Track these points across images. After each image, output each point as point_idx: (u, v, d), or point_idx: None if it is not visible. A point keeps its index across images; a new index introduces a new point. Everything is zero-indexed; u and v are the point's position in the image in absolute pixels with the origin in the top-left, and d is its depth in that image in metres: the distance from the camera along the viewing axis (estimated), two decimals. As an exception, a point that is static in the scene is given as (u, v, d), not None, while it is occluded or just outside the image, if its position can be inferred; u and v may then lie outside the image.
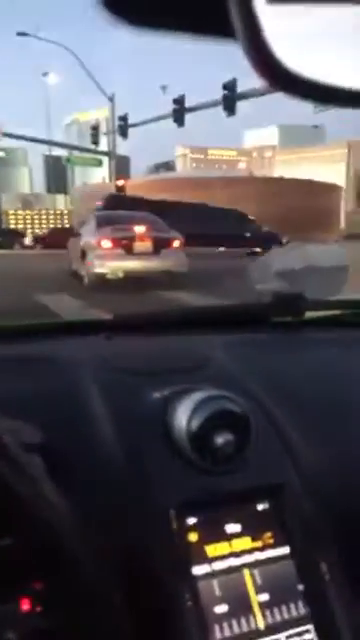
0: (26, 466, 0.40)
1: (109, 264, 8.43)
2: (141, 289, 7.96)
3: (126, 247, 8.48)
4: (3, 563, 0.54)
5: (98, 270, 8.50)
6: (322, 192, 32.91)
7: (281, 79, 0.28)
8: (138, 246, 8.55)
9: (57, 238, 25.93)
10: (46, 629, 0.47)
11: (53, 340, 0.90)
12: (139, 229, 8.70)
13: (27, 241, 27.95)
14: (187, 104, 17.31)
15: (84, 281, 8.94)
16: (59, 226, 40.83)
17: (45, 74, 36.97)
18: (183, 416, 0.60)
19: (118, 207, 12.03)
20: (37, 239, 28.11)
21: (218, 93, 15.85)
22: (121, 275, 8.45)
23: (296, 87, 0.29)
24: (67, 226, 39.62)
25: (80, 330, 0.97)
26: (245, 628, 0.55)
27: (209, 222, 15.45)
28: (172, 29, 0.29)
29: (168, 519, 0.57)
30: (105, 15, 0.28)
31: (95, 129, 21.79)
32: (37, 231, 35.25)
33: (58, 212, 67.76)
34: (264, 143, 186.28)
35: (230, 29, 0.27)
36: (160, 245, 8.66)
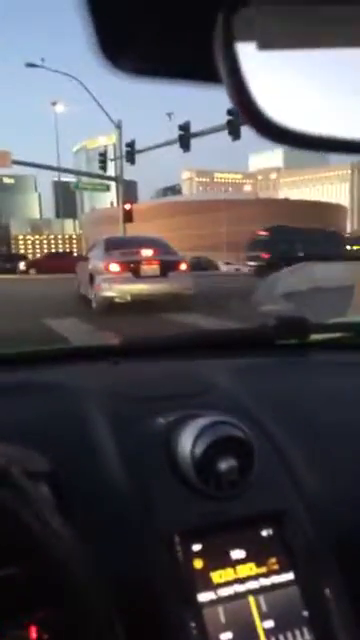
0: (31, 494, 0.40)
1: (117, 287, 8.48)
2: (149, 312, 8.00)
3: (134, 270, 8.55)
4: (9, 591, 0.54)
5: (106, 294, 8.55)
6: (327, 212, 33.08)
7: (264, 127, 0.30)
8: (145, 269, 8.61)
9: (52, 262, 26.21)
10: None
11: (60, 367, 0.91)
12: (146, 252, 8.77)
13: (21, 266, 28.08)
14: (193, 129, 17.62)
15: (92, 305, 9.00)
16: (60, 251, 41.10)
17: (54, 103, 37.81)
18: (187, 442, 0.61)
19: (282, 237, 13.75)
20: (30, 264, 28.27)
21: (223, 118, 16.14)
22: (129, 298, 8.50)
23: (281, 137, 0.30)
24: (61, 251, 39.85)
25: (87, 356, 0.98)
26: None
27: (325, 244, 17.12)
28: (167, 76, 0.31)
29: (173, 546, 0.57)
30: (103, 63, 0.29)
31: (103, 155, 22.16)
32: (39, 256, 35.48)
33: (67, 236, 68.51)
34: (269, 165, 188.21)
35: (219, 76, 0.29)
36: (167, 268, 8.72)
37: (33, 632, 0.45)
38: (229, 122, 16.00)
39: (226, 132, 16.24)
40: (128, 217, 19.85)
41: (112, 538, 0.58)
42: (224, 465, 0.59)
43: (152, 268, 8.64)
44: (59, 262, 25.76)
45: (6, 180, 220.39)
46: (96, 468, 0.64)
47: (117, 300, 8.54)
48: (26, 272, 26.35)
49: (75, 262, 25.55)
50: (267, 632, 0.56)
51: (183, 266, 9.03)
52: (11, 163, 19.40)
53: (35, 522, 0.38)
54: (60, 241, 65.57)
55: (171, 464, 0.63)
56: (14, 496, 0.37)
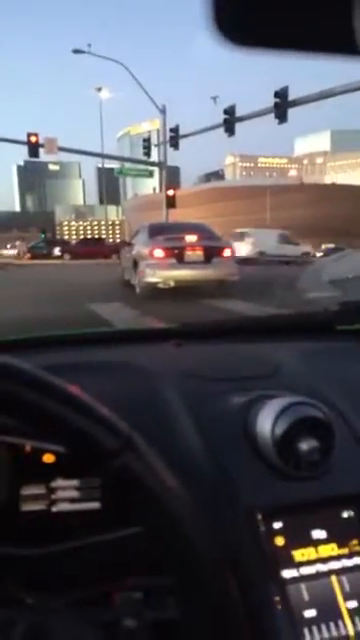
0: (150, 458, 0.41)
1: (161, 273, 8.52)
2: (193, 298, 8.01)
3: (177, 256, 8.55)
4: (131, 551, 0.57)
5: (150, 279, 8.61)
6: (377, 198, 31.94)
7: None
8: (189, 255, 8.60)
9: (85, 248, 26.48)
10: (163, 620, 0.49)
11: (123, 347, 0.93)
12: (190, 238, 8.76)
13: (56, 251, 28.27)
14: (238, 113, 17.35)
15: (136, 290, 9.09)
16: (95, 237, 41.49)
17: (99, 89, 37.97)
18: (267, 421, 0.61)
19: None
20: (64, 249, 28.40)
21: (269, 101, 15.80)
22: (172, 284, 8.53)
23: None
24: (97, 237, 40.13)
25: (150, 338, 0.99)
26: (334, 633, 0.54)
27: None
28: (278, 47, 0.31)
29: (255, 522, 0.58)
30: (216, 36, 0.30)
31: (147, 141, 22.19)
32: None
33: (110, 222, 69.31)
34: (316, 149, 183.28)
35: (340, 44, 0.28)
36: (211, 254, 8.69)
37: (145, 594, 0.47)
38: (276, 105, 15.66)
39: (272, 115, 15.91)
40: (171, 203, 19.85)
41: (204, 509, 0.59)
42: (305, 446, 0.59)
43: (196, 254, 8.63)
44: (91, 248, 26.14)
45: (52, 167, 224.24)
46: (176, 445, 0.64)
47: (160, 286, 8.59)
48: (61, 257, 26.67)
49: (106, 248, 25.56)
50: (351, 612, 0.56)
51: (227, 252, 8.97)
52: (57, 150, 19.68)
53: (156, 484, 0.39)
54: (103, 227, 66.42)
55: (249, 443, 0.63)
56: (137, 459, 0.38)
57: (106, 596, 0.56)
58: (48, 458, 0.63)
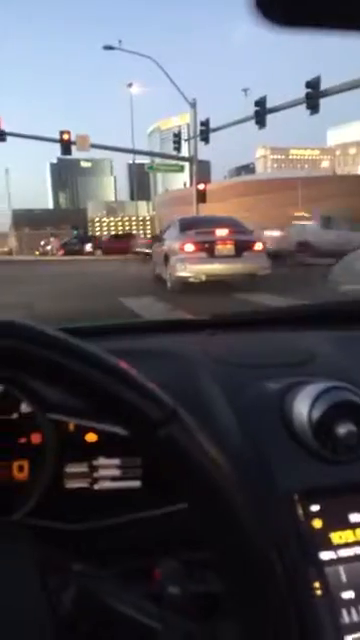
0: (195, 431, 0.41)
1: (192, 267, 8.54)
2: (224, 292, 8.00)
3: (208, 250, 8.55)
4: (171, 527, 0.59)
5: (181, 274, 8.64)
6: None
7: None
8: (220, 249, 8.59)
9: (115, 244, 26.47)
10: (208, 592, 0.51)
11: (159, 336, 0.94)
12: (221, 232, 8.74)
13: (88, 247, 28.52)
14: (268, 104, 17.14)
15: (167, 285, 9.14)
16: (127, 232, 41.57)
17: (129, 85, 38.08)
18: (304, 406, 0.62)
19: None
20: (95, 245, 28.59)
21: (301, 92, 15.56)
22: (203, 278, 8.54)
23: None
24: (128, 232, 40.20)
25: (184, 328, 1.01)
26: None
27: None
28: (318, 25, 0.30)
29: (292, 504, 0.58)
30: (259, 18, 0.29)
31: (177, 136, 22.19)
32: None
33: (140, 218, 69.56)
34: (349, 139, 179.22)
35: None
36: (242, 248, 8.65)
37: (190, 566, 0.49)
38: (307, 95, 15.40)
39: (304, 106, 15.66)
40: (202, 197, 19.81)
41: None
42: (342, 429, 0.59)
43: (227, 248, 8.61)
44: (121, 243, 26.17)
45: (84, 164, 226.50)
46: (214, 427, 0.65)
47: (192, 280, 8.61)
48: (92, 253, 26.93)
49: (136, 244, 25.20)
50: None
51: (259, 246, 8.92)
52: (89, 147, 19.90)
53: (202, 456, 0.39)
54: (134, 223, 66.74)
55: (286, 427, 0.64)
56: (183, 430, 0.39)
57: (147, 570, 0.58)
58: (90, 437, 0.66)
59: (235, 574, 0.40)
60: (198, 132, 20.13)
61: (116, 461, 0.67)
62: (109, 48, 22.88)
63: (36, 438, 0.65)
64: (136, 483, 0.66)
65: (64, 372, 0.37)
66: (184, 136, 23.42)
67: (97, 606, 0.41)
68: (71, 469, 0.66)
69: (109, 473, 0.67)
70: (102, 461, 0.67)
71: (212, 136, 19.90)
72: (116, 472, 0.67)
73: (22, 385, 0.64)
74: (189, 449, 0.39)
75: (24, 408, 0.65)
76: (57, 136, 19.12)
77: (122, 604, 0.41)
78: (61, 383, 0.37)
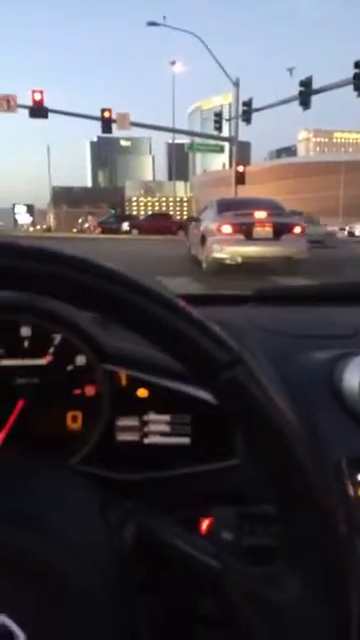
0: (261, 376, 0.41)
1: (228, 249, 8.48)
2: (260, 275, 7.93)
3: (246, 232, 8.45)
4: (222, 482, 0.61)
5: (217, 255, 8.59)
6: None
7: None
8: (258, 231, 8.48)
9: (152, 224, 26.36)
10: (259, 545, 0.52)
11: (204, 308, 0.96)
12: (259, 214, 8.62)
13: (125, 226, 28.29)
14: (314, 85, 16.64)
15: (203, 266, 9.11)
16: (163, 212, 41.13)
17: (172, 62, 37.52)
18: (353, 375, 0.63)
19: None
20: (132, 225, 28.36)
21: (348, 72, 15.03)
22: (240, 260, 8.47)
23: None
24: (164, 212, 39.66)
25: (227, 301, 1.03)
26: None
27: None
28: None
29: (341, 472, 0.59)
30: None
31: (218, 115, 21.85)
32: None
33: (178, 199, 69.14)
34: None
35: None
36: (281, 231, 8.52)
37: (243, 520, 0.51)
38: (355, 76, 14.87)
39: (350, 88, 15.14)
40: (240, 179, 19.54)
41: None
42: None
43: (265, 230, 8.50)
44: (158, 223, 26.15)
45: (123, 143, 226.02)
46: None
47: (228, 262, 8.55)
48: (129, 232, 26.85)
49: (173, 224, 25.03)
50: None
51: (297, 229, 8.76)
52: (130, 125, 19.84)
53: (267, 401, 0.39)
54: (171, 203, 66.41)
55: (335, 396, 0.65)
56: (248, 374, 0.38)
57: (199, 520, 0.60)
58: (142, 393, 0.69)
59: (296, 529, 0.39)
60: (240, 112, 19.77)
61: (166, 417, 0.69)
62: (153, 24, 22.61)
63: (90, 390, 0.68)
64: (185, 440, 0.68)
65: (130, 308, 0.37)
66: (225, 116, 23.02)
67: (156, 543, 0.41)
68: (122, 422, 0.68)
69: (159, 428, 0.69)
70: (152, 416, 0.69)
71: (253, 117, 19.51)
72: (166, 428, 0.69)
73: (82, 333, 0.67)
74: (254, 393, 0.38)
75: (79, 361, 0.68)
76: (98, 114, 19.14)
77: (181, 541, 0.41)
78: (128, 319, 0.37)
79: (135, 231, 26.42)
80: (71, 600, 0.34)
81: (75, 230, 40.99)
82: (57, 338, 0.67)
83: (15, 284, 0.36)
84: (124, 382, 0.68)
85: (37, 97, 18.49)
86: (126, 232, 26.96)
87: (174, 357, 0.39)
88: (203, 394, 0.65)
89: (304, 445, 0.40)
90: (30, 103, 18.52)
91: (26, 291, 0.37)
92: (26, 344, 0.66)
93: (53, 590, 0.34)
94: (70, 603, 0.34)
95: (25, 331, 0.66)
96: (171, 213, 38.25)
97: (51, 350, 0.67)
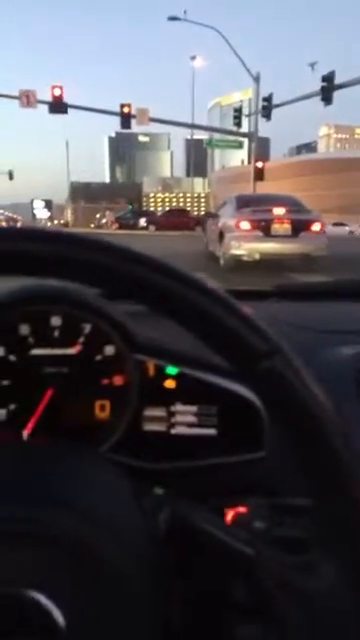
0: (300, 366, 0.41)
1: (246, 246, 8.45)
2: (277, 272, 7.89)
3: (264, 229, 8.41)
4: (249, 474, 0.61)
5: (235, 252, 8.57)
6: None
7: None
8: (277, 228, 8.44)
9: (170, 220, 26.28)
10: (291, 536, 0.52)
11: None
12: (278, 211, 8.57)
13: (142, 222, 28.36)
14: (336, 80, 16.43)
15: (220, 262, 9.10)
16: (180, 208, 41.12)
17: (193, 57, 37.37)
18: None
19: None
20: (150, 220, 28.37)
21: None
22: (258, 257, 8.44)
23: None
24: (182, 208, 39.69)
25: (249, 296, 1.03)
26: None
27: None
28: None
29: None
30: None
31: (238, 111, 21.72)
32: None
33: (195, 195, 69.07)
34: None
35: None
36: (299, 228, 8.46)
37: (272, 511, 0.51)
38: (379, 70, 14.64)
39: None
40: (259, 175, 19.43)
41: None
42: None
43: (283, 227, 8.45)
44: (176, 219, 26.10)
45: (142, 138, 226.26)
46: None
47: (245, 258, 8.52)
48: (146, 228, 26.87)
49: (190, 220, 24.91)
50: None
51: (317, 226, 8.69)
52: (149, 121, 19.85)
53: (305, 391, 0.39)
54: (188, 199, 66.37)
55: None
56: (287, 365, 0.38)
57: (229, 511, 0.60)
58: (169, 384, 0.69)
59: (331, 514, 0.39)
60: (260, 108, 19.63)
61: (193, 408, 0.69)
62: (174, 19, 22.54)
63: (118, 380, 0.68)
64: (212, 431, 0.69)
65: (171, 297, 0.37)
66: (245, 112, 22.89)
67: (190, 529, 0.41)
68: (149, 412, 0.69)
69: (185, 419, 0.69)
70: (179, 407, 0.69)
71: (274, 112, 19.36)
72: (192, 419, 0.69)
73: (114, 322, 0.68)
74: (293, 382, 0.38)
75: (108, 351, 0.69)
76: (117, 109, 19.18)
77: (214, 528, 0.41)
78: (168, 308, 0.37)
79: (152, 227, 26.44)
80: (107, 582, 0.34)
81: (93, 225, 41.26)
82: (87, 328, 0.68)
83: (67, 274, 0.37)
84: (152, 373, 0.69)
85: (57, 92, 18.58)
86: (143, 228, 27.01)
87: (212, 346, 0.38)
88: (231, 385, 0.65)
89: (341, 434, 0.40)
90: (49, 99, 18.61)
91: (76, 281, 0.37)
92: (56, 334, 0.67)
93: (90, 570, 0.34)
94: (106, 585, 0.34)
95: (55, 320, 0.67)
96: (188, 209, 38.30)
97: (81, 340, 0.68)
